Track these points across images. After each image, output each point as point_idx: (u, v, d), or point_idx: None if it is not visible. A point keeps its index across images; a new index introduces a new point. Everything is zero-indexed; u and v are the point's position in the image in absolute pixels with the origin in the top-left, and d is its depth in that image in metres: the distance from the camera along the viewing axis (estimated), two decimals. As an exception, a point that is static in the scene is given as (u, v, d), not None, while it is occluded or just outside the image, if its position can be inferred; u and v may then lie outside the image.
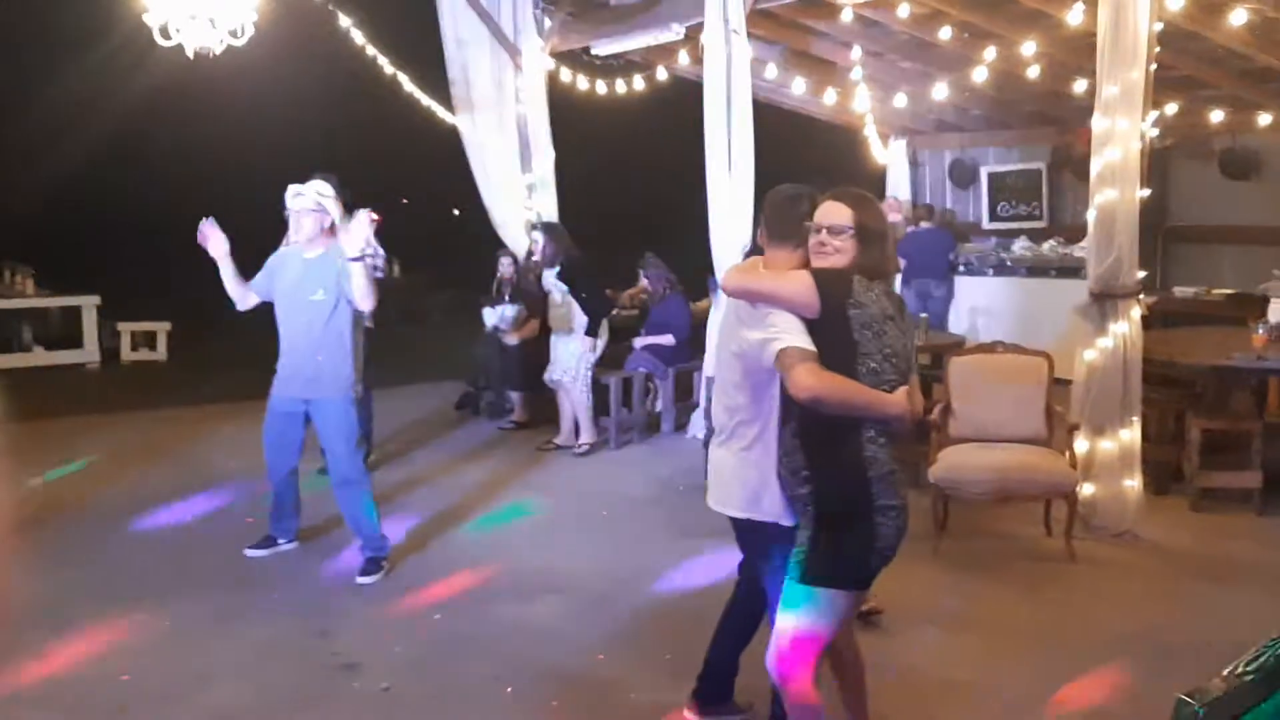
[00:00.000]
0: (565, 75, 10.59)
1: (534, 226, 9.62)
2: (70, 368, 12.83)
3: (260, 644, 4.87)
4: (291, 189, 5.60)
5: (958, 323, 11.32)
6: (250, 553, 5.94)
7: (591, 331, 8.51)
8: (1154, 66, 6.14)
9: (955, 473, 5.97)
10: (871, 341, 3.22)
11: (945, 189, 13.20)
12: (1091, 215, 6.25)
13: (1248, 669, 1.39)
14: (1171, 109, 9.37)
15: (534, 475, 7.90)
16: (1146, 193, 6.23)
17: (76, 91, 12.91)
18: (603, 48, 10.33)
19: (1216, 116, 9.32)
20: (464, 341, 10.27)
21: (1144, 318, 6.35)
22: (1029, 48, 7.63)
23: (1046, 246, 11.41)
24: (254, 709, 4.28)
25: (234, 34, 6.15)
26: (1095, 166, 6.21)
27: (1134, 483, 6.30)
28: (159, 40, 6.13)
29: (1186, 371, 7.27)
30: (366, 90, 11.34)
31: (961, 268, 11.81)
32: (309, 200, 5.58)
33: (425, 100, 11.50)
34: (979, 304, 11.50)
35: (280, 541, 6.03)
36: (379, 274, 7.56)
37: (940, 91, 8.79)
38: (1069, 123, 11.04)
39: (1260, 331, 6.91)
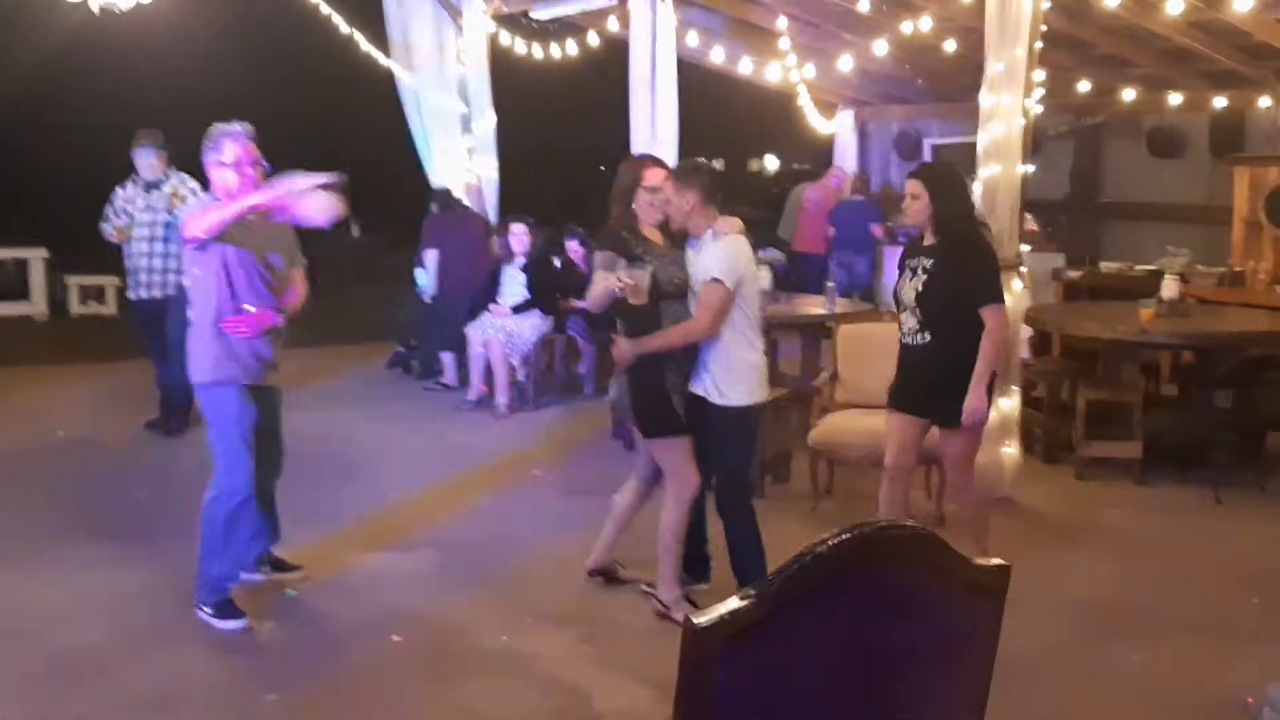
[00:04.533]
0: (504, 38, 10.65)
1: (513, 219, 9.58)
2: (17, 319, 12.95)
3: (131, 588, 5.04)
4: None
5: (887, 294, 11.46)
6: None
7: (550, 310, 8.79)
8: (1039, 44, 6.27)
9: (831, 437, 6.14)
10: None
11: (891, 160, 13.32)
12: (977, 189, 6.40)
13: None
14: (1085, 86, 9.49)
15: (450, 433, 8.06)
16: (1030, 169, 6.38)
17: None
18: (540, 11, 10.42)
19: (1130, 95, 9.44)
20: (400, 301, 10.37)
21: (1069, 288, 6.50)
22: (925, 22, 7.73)
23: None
24: (106, 648, 4.46)
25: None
26: (981, 141, 6.36)
27: (1012, 450, 6.49)
28: (67, -1, 6.21)
29: (1083, 344, 7.51)
30: (313, 46, 11.34)
31: (901, 238, 11.94)
32: None
33: (386, 61, 11.41)
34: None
35: None
36: None
37: (846, 63, 8.89)
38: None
39: (1151, 306, 7.07)
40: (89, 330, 12.72)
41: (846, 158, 13.24)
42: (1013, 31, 6.12)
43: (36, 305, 13.18)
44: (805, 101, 11.27)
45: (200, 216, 4.52)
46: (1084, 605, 5.02)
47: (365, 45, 10.80)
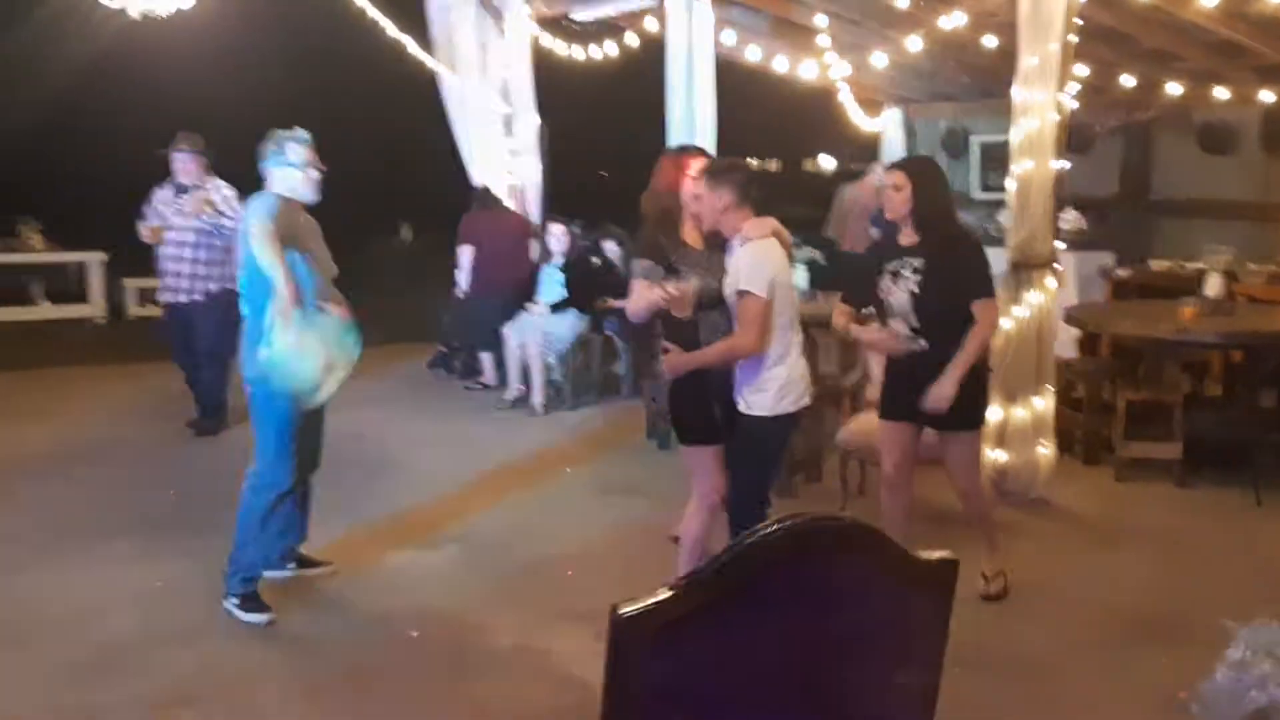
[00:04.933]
0: (545, 40, 10.70)
1: (552, 220, 9.68)
2: (77, 321, 13.24)
3: (162, 583, 5.14)
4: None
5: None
6: None
7: (588, 310, 8.85)
8: (1074, 38, 6.17)
9: (859, 437, 6.08)
10: None
11: (940, 159, 13.15)
12: (1011, 185, 6.32)
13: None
14: (1130, 81, 9.31)
15: (484, 432, 8.12)
16: (1066, 165, 6.29)
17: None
18: (581, 13, 10.45)
19: (1177, 90, 9.24)
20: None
21: (1118, 286, 6.41)
22: (960, 18, 7.63)
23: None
24: (134, 641, 4.55)
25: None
26: (1014, 137, 6.27)
27: (1046, 450, 6.39)
28: (108, 2, 6.34)
29: (1131, 343, 7.38)
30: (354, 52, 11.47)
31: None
32: None
33: (432, 64, 11.44)
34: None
35: None
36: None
37: (881, 59, 8.81)
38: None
39: (1191, 305, 6.93)
40: (144, 332, 12.94)
41: (894, 156, 13.10)
42: (1045, 25, 6.03)
43: (95, 307, 13.45)
44: (846, 99, 11.15)
45: (266, 246, 4.49)
46: (1113, 607, 4.93)
47: (414, 48, 10.88)
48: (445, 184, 11.19)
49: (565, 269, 9.10)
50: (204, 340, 7.40)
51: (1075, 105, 6.57)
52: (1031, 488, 6.38)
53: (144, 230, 7.51)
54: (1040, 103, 6.10)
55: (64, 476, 6.86)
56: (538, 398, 8.74)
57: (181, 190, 7.33)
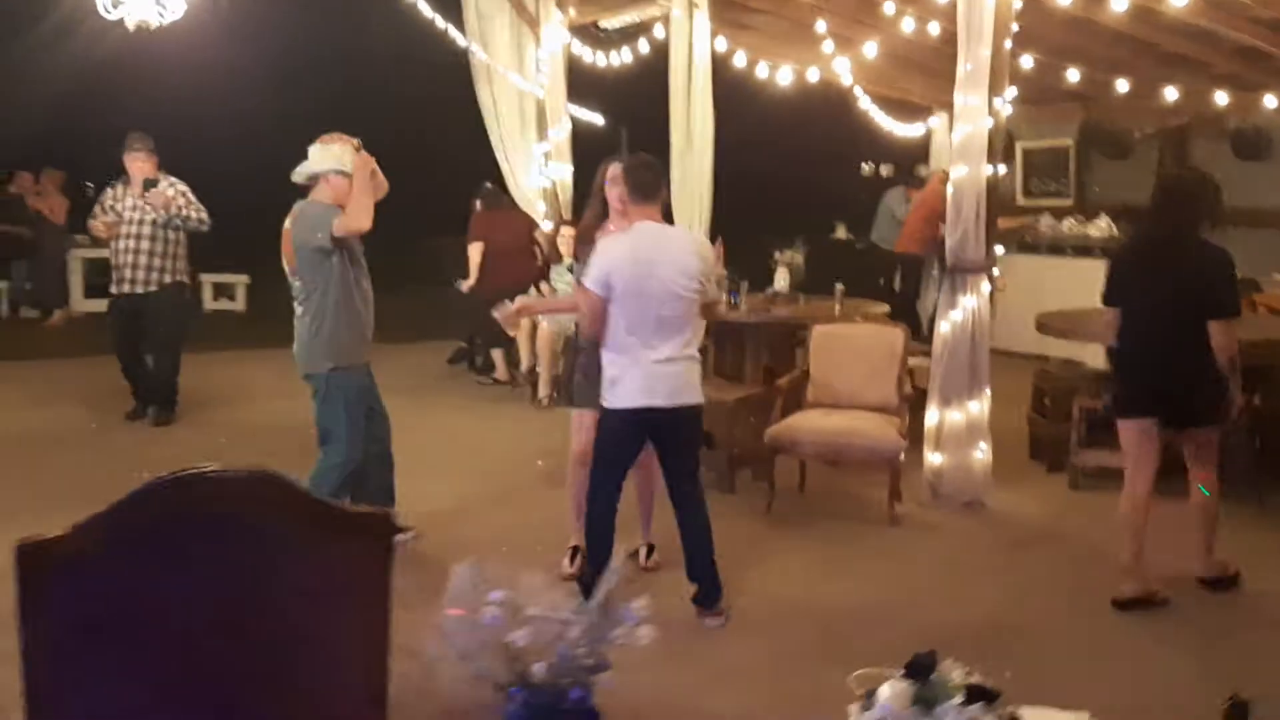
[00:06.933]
0: (575, 47, 11.01)
1: (565, 223, 9.97)
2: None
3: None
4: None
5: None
6: None
7: None
8: (1008, 44, 6.20)
9: (786, 434, 6.20)
10: None
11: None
12: (950, 191, 6.37)
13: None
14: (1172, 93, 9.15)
15: (478, 425, 8.44)
16: (1003, 169, 6.32)
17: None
18: (609, 21, 10.75)
19: (1219, 98, 9.04)
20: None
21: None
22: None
23: (1066, 224, 11.25)
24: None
25: (159, 5, 6.79)
26: (955, 141, 6.33)
27: (981, 454, 6.40)
28: (104, 13, 6.86)
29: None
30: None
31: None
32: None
33: (482, 54, 11.61)
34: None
35: None
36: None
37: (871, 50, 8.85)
38: (1097, 98, 10.83)
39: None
40: (221, 324, 13.66)
41: (940, 161, 13.00)
42: (978, 31, 6.08)
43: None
44: (871, 106, 11.19)
45: (357, 214, 5.10)
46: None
47: (463, 41, 11.15)
48: (475, 185, 11.43)
49: (573, 269, 9.38)
50: (162, 328, 7.87)
51: (1010, 111, 6.57)
52: (964, 491, 6.40)
53: (99, 226, 7.90)
54: (974, 108, 6.15)
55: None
56: (544, 390, 9.04)
57: (151, 184, 7.77)
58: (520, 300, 5.53)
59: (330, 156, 5.19)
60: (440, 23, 10.57)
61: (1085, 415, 6.78)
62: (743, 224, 9.70)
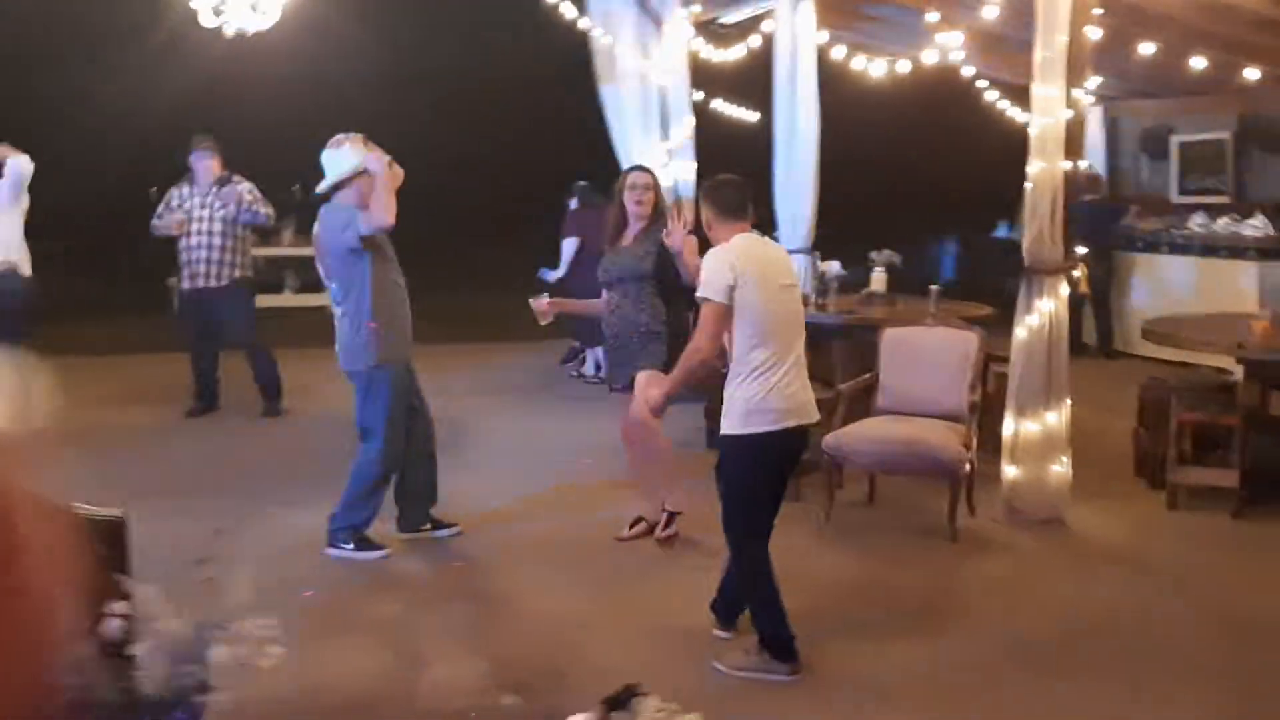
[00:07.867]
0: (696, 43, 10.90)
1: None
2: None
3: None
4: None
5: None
6: None
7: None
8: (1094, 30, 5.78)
9: (843, 442, 5.92)
10: None
11: (1140, 159, 12.25)
12: (1028, 186, 5.98)
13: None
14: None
15: (569, 423, 8.45)
16: (1086, 164, 5.90)
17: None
18: (729, 16, 10.60)
19: None
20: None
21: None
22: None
23: (1220, 224, 10.46)
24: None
25: (255, 9, 7.02)
26: (1032, 134, 5.94)
27: (1061, 468, 5.99)
28: (205, 22, 7.16)
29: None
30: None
31: (1139, 244, 11.17)
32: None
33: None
34: (1149, 283, 10.87)
35: None
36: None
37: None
38: (1254, 90, 10.03)
39: (1264, 318, 6.26)
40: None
41: (1094, 157, 12.29)
42: (1055, 16, 5.68)
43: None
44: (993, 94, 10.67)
45: (380, 211, 5.20)
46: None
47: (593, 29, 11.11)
48: (601, 186, 11.42)
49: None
50: (237, 324, 8.14)
51: (1091, 100, 6.11)
52: (1041, 508, 6.00)
53: (171, 223, 8.11)
54: (1051, 99, 5.76)
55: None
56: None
57: (225, 181, 8.07)
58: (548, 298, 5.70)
59: (346, 159, 5.26)
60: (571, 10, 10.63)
61: (1189, 429, 6.28)
62: (895, 220, 9.43)
